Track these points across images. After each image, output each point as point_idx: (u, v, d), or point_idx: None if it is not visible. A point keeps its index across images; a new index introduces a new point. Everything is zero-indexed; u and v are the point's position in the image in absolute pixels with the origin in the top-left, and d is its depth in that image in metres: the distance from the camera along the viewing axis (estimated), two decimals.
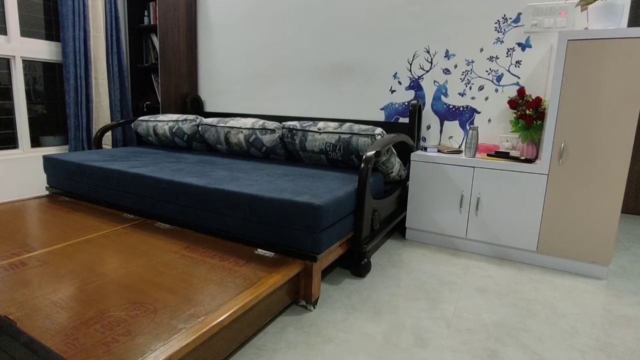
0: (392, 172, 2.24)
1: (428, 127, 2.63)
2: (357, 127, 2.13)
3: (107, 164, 2.22)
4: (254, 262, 1.54)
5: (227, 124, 2.55)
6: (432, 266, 2.03)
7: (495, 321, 1.53)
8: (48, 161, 2.46)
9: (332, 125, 2.21)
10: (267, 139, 2.39)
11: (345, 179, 1.94)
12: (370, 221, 1.92)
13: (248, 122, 2.49)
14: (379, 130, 2.07)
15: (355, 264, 1.87)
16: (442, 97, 2.56)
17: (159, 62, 3.16)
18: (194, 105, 3.46)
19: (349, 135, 2.10)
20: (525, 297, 1.74)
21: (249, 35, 3.20)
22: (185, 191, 1.85)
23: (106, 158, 2.40)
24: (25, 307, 1.16)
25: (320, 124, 2.23)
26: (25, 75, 2.88)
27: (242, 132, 2.47)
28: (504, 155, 2.13)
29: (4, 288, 1.27)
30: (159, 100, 3.32)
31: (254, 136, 2.43)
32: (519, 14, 2.28)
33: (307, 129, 2.24)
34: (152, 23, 3.41)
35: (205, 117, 3.44)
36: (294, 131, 2.28)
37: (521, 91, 2.24)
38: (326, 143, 2.18)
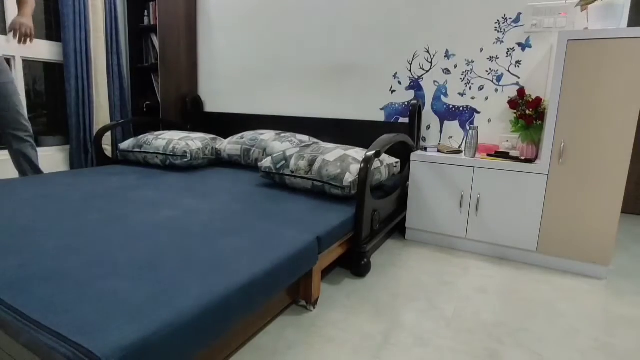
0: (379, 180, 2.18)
1: (428, 127, 2.63)
2: (325, 172, 1.98)
3: None
4: None
5: (142, 149, 2.62)
6: (432, 266, 2.03)
7: (495, 321, 1.53)
8: None
9: (302, 167, 2.07)
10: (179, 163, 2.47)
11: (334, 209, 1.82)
12: (370, 221, 1.92)
13: (160, 146, 2.57)
14: (350, 178, 1.92)
15: (355, 264, 1.87)
16: (442, 97, 2.56)
17: (159, 62, 3.16)
18: (194, 105, 3.46)
19: (321, 184, 2.01)
20: (525, 297, 1.74)
21: (249, 35, 3.20)
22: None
23: None
24: None
25: (292, 164, 2.10)
26: (25, 75, 2.88)
27: (157, 157, 2.48)
28: (504, 155, 2.13)
29: None
30: (159, 100, 3.33)
31: (168, 161, 2.49)
32: (519, 14, 2.28)
33: (282, 172, 2.14)
34: (152, 23, 3.41)
35: (205, 116, 3.44)
36: (271, 175, 2.19)
37: (521, 91, 2.24)
38: (303, 187, 2.12)
